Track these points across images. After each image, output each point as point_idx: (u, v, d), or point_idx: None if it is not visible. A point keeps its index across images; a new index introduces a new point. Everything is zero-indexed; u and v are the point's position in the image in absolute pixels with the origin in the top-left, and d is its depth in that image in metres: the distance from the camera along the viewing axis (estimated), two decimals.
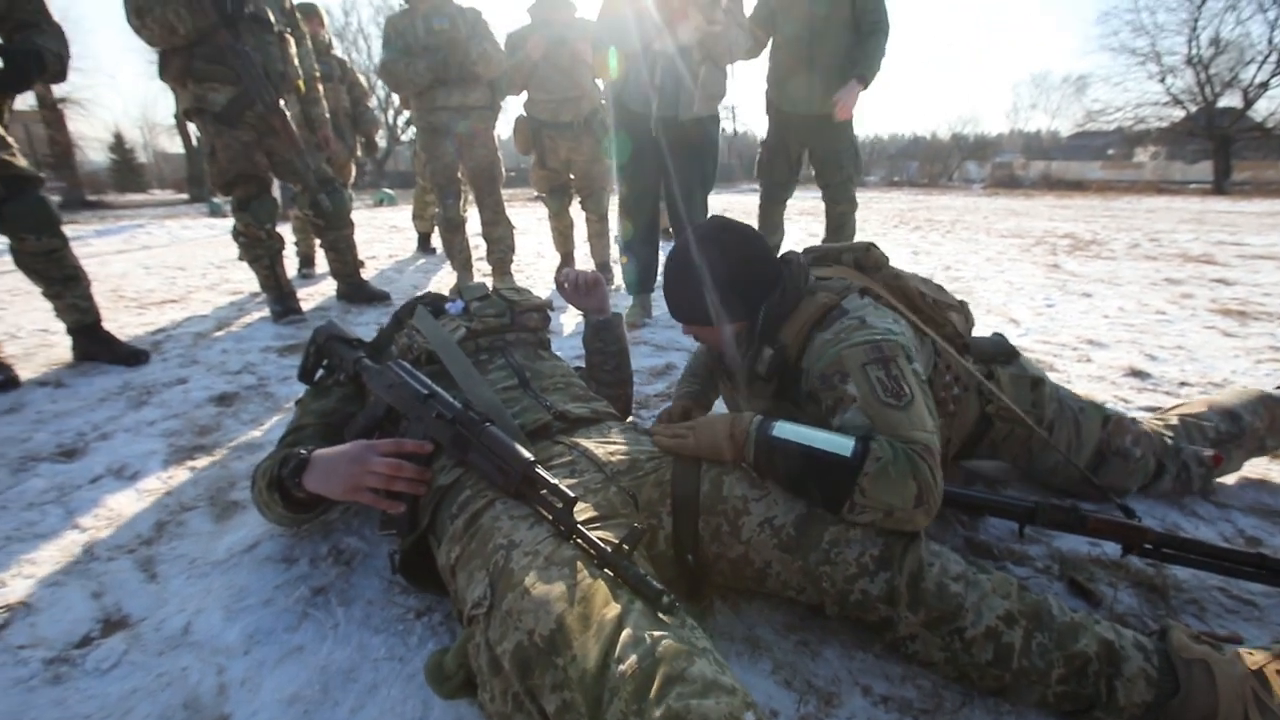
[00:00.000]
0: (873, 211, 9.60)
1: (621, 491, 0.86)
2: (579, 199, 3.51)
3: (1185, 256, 4.66)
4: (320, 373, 1.26)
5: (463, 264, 3.29)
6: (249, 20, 2.34)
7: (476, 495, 0.83)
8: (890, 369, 0.89)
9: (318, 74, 2.95)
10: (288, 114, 2.50)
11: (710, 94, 2.36)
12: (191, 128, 2.67)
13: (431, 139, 3.01)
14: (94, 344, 2.17)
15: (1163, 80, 20.24)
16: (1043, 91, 48.32)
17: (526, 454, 0.82)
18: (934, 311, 1.14)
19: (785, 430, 0.86)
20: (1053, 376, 2.03)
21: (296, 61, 2.59)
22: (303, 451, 0.96)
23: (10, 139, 1.93)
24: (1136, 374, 2.06)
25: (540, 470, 0.80)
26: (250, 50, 2.33)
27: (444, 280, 3.90)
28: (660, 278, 2.39)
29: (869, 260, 1.15)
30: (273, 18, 2.45)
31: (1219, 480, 1.32)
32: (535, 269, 4.30)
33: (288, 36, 2.55)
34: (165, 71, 2.32)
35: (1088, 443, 1.21)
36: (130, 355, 2.18)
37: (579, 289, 1.36)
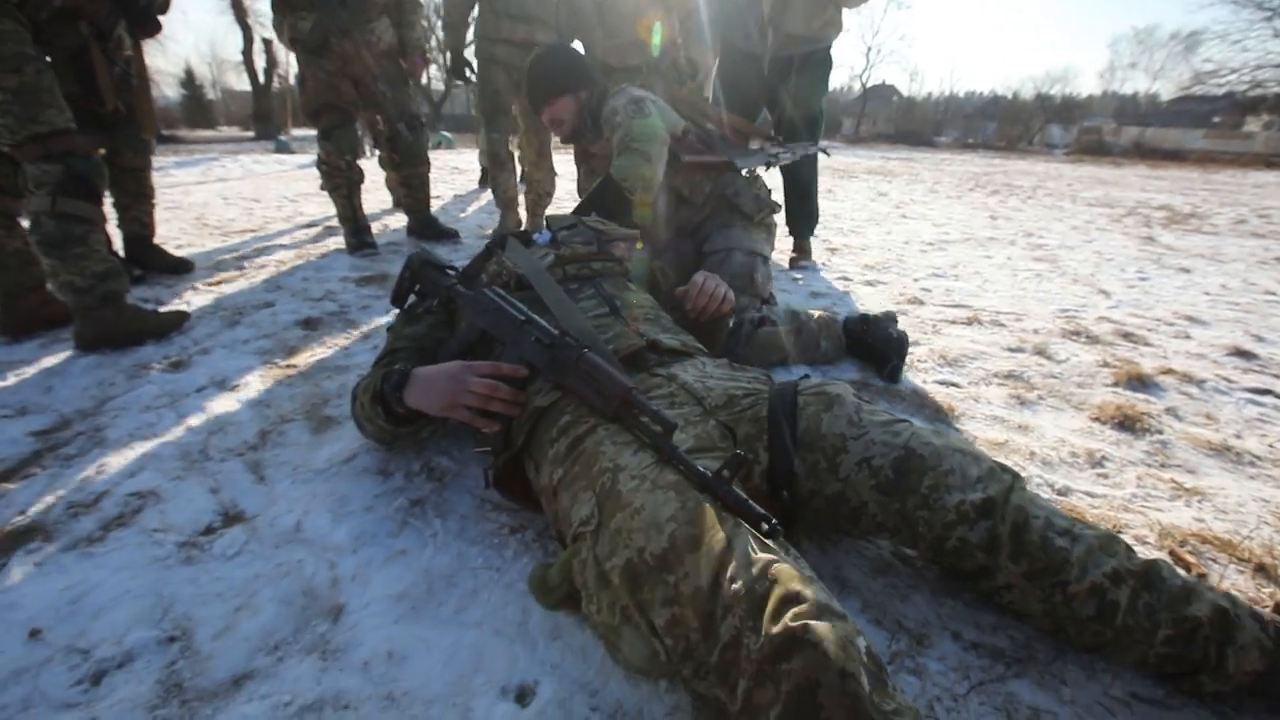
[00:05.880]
0: (944, 174, 9.10)
1: (720, 425, 0.86)
2: None
3: None
4: (412, 298, 1.29)
5: (506, 202, 3.18)
6: None
7: (577, 420, 0.85)
8: (639, 105, 1.75)
9: None
10: (370, 39, 2.53)
11: (833, 19, 2.35)
12: (267, 60, 2.73)
13: (486, 68, 2.95)
14: (146, 254, 2.42)
15: None
16: (1146, 49, 43.71)
17: (625, 379, 0.83)
18: (691, 112, 2.08)
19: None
20: (1146, 351, 1.92)
21: None
22: (404, 368, 1.00)
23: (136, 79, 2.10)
24: (1242, 354, 1.92)
25: (639, 395, 0.81)
26: None
27: None
28: None
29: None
30: None
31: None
32: None
33: None
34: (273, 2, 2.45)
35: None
36: (178, 264, 2.45)
37: None
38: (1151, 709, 0.73)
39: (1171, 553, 0.98)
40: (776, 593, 0.58)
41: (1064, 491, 1.14)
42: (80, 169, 1.59)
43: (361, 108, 2.66)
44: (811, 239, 2.99)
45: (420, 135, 2.85)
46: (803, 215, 2.88)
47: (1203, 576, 0.93)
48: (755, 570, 0.60)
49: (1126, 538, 1.01)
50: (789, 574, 0.60)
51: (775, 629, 0.55)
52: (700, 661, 0.60)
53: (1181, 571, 0.84)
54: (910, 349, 1.84)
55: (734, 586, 0.59)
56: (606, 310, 1.07)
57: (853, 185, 6.81)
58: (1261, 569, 0.96)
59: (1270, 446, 1.37)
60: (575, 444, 0.82)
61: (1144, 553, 0.98)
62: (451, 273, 1.24)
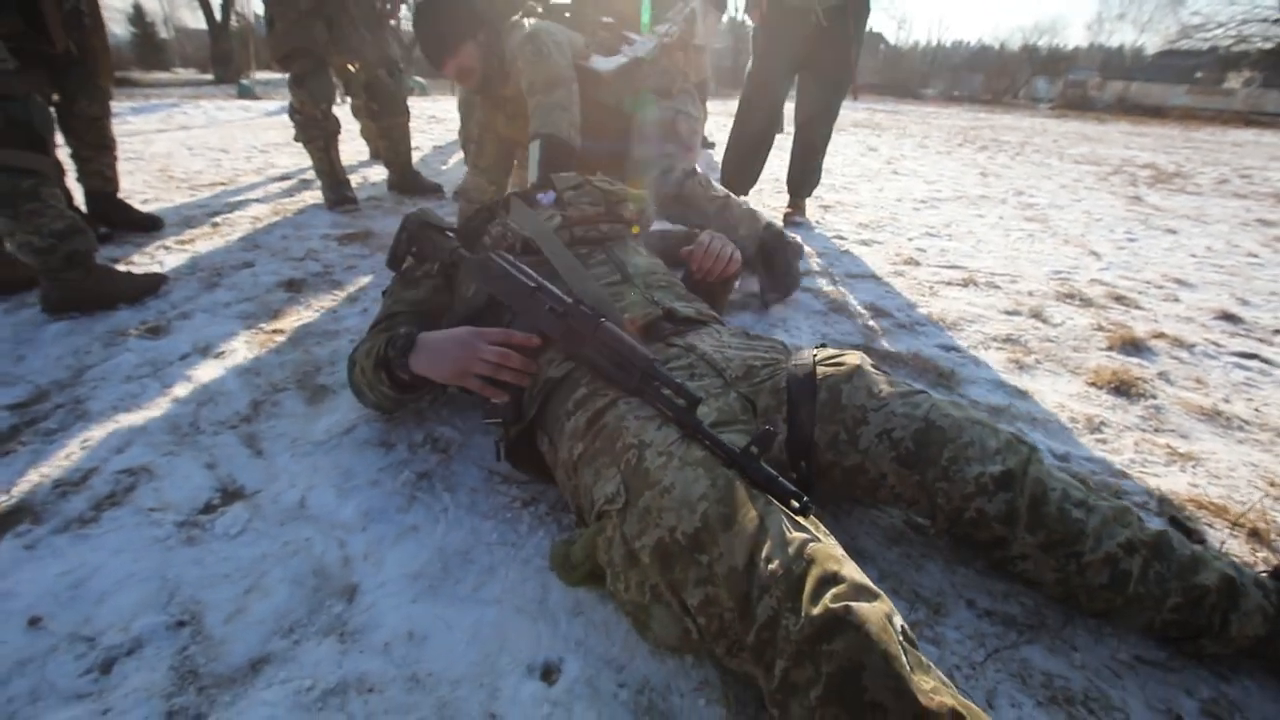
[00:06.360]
0: (932, 128, 8.98)
1: (741, 398, 0.84)
2: None
3: (1279, 196, 4.32)
4: (409, 261, 1.24)
5: None
6: None
7: (595, 393, 0.82)
8: (535, 43, 1.72)
9: None
10: None
11: None
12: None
13: None
14: (111, 210, 2.28)
15: None
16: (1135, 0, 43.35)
17: (645, 350, 0.80)
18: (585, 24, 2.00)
19: None
20: (1138, 314, 1.94)
21: None
22: (409, 333, 0.96)
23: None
24: (1228, 318, 1.95)
25: (660, 367, 0.78)
26: None
27: None
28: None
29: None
30: None
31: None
32: None
33: None
34: None
35: None
36: (146, 220, 2.30)
37: None
38: (1155, 670, 0.76)
39: (1172, 519, 1.00)
40: (814, 573, 0.57)
41: (1065, 458, 1.16)
42: (20, 115, 1.46)
43: (336, 52, 2.49)
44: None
45: (400, 82, 2.69)
46: (805, 174, 2.83)
47: (1202, 543, 0.95)
48: (791, 550, 0.59)
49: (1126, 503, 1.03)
50: (825, 553, 0.59)
51: (815, 610, 0.54)
52: (735, 640, 0.60)
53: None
54: (910, 311, 1.84)
55: (770, 567, 0.58)
56: (619, 277, 1.03)
57: (841, 139, 6.68)
58: (1255, 534, 0.99)
59: (1256, 410, 1.40)
60: (595, 418, 0.80)
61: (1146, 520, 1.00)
62: (451, 235, 1.18)
